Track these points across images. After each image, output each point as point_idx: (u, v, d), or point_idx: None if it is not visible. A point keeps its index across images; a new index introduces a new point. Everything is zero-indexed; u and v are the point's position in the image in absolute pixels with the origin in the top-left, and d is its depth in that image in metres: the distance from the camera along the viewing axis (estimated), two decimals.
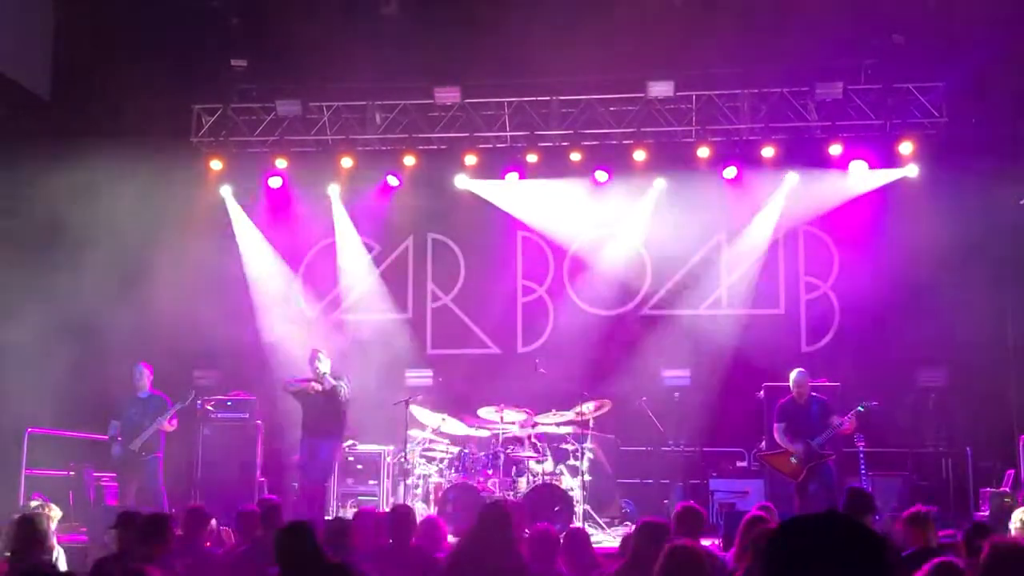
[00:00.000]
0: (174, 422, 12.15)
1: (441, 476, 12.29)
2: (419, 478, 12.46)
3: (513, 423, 12.44)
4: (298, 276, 15.57)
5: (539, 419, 12.53)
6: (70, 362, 13.02)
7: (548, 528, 6.98)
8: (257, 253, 15.42)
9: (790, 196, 14.72)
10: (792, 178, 14.61)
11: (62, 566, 7.47)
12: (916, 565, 6.64)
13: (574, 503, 11.65)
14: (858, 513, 7.38)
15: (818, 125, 14.29)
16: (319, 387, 12.05)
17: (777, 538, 2.25)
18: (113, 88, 13.68)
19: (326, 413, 12.08)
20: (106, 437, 12.23)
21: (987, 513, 11.16)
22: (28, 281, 13.21)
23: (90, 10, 13.82)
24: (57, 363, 12.94)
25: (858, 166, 14.29)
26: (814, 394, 11.84)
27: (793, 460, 11.46)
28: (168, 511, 10.67)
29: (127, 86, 13.65)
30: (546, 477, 12.03)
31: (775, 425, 11.83)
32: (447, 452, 12.52)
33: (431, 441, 12.63)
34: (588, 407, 12.47)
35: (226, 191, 15.22)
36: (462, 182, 15.08)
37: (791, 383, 11.85)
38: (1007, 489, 11.61)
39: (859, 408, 11.41)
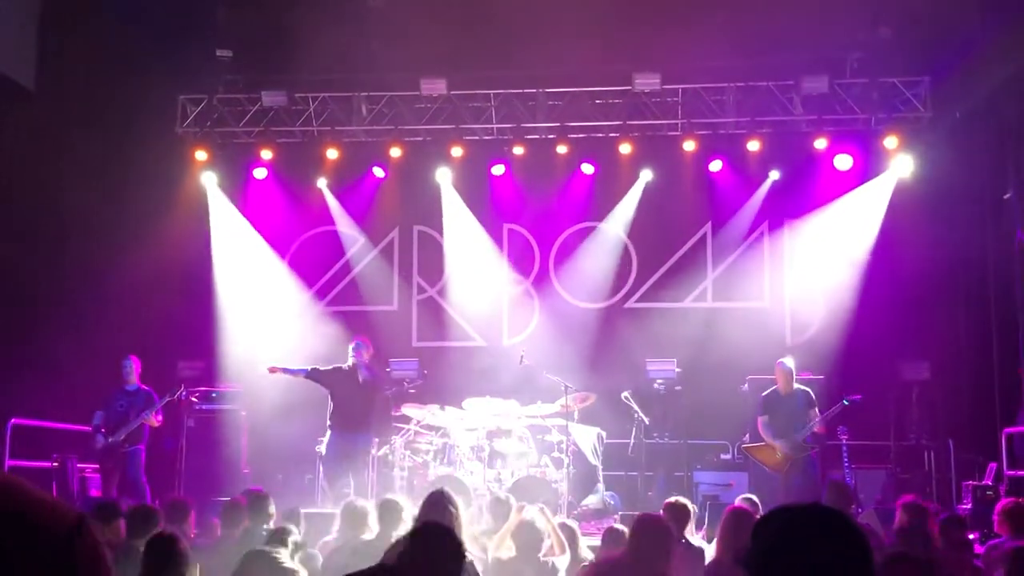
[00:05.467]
0: (159, 417, 12.14)
1: (426, 468, 12.28)
2: (404, 470, 12.44)
3: (498, 415, 12.45)
4: (284, 265, 15.55)
5: (524, 411, 12.54)
6: (53, 353, 12.95)
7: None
8: (240, 243, 15.35)
9: (775, 190, 14.78)
10: (777, 172, 14.67)
11: None
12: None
13: (559, 495, 11.68)
14: (838, 506, 7.42)
15: (803, 119, 14.33)
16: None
17: (763, 527, 2.26)
18: (98, 78, 13.61)
19: (359, 406, 12.06)
20: (89, 429, 12.19)
21: (969, 506, 11.22)
22: (11, 273, 13.14)
23: None
24: (41, 353, 12.88)
25: (843, 160, 14.35)
26: (798, 386, 11.86)
27: (778, 453, 11.50)
28: (151, 502, 10.66)
29: (112, 76, 13.58)
30: (531, 469, 12.04)
31: (758, 418, 11.86)
32: (432, 444, 12.52)
33: (416, 433, 12.63)
34: (572, 399, 12.48)
35: (209, 179, 15.13)
36: (443, 176, 15.10)
37: (777, 373, 11.86)
38: (989, 482, 11.68)
39: (844, 402, 11.45)
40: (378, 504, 7.64)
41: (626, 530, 7.26)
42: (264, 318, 14.83)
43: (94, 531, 1.24)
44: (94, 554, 1.22)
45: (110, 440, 11.88)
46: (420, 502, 6.68)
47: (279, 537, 6.79)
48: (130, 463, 11.93)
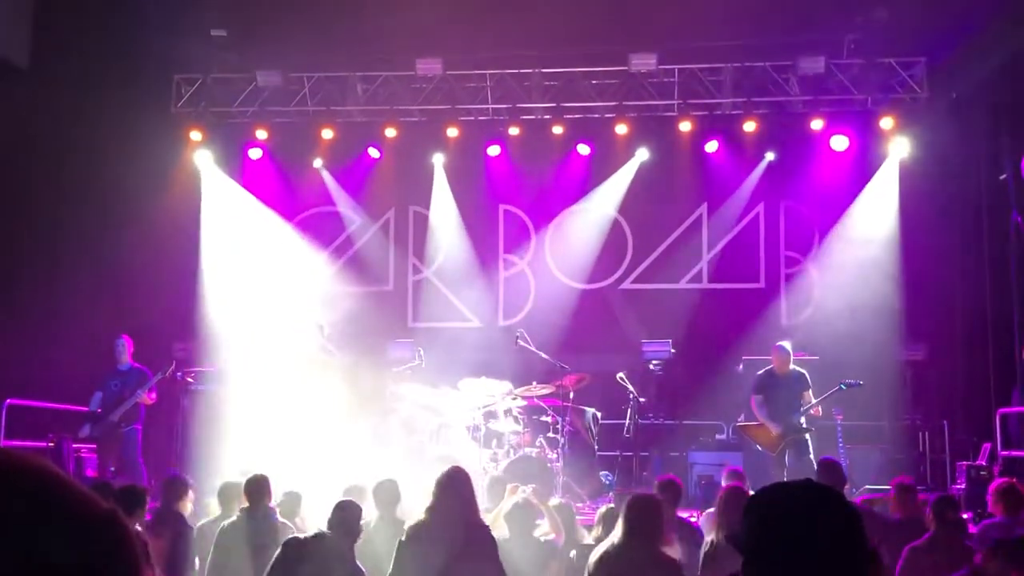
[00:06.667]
0: (153, 395, 12.13)
1: (422, 448, 12.29)
2: (400, 451, 12.45)
3: (493, 396, 12.46)
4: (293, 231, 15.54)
5: (519, 392, 12.55)
6: (49, 333, 12.95)
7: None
8: (237, 220, 15.29)
9: (771, 171, 14.77)
10: (773, 153, 14.66)
11: None
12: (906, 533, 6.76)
13: (554, 475, 11.70)
14: (831, 485, 7.42)
15: (800, 100, 14.31)
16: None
17: (755, 504, 2.27)
18: (92, 57, 13.54)
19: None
20: (85, 409, 12.17)
21: (963, 486, 11.25)
22: (5, 252, 13.11)
23: None
24: (36, 333, 12.87)
25: (839, 141, 14.33)
26: (793, 367, 11.84)
27: (773, 433, 11.48)
28: (147, 483, 10.68)
29: (106, 55, 13.52)
30: (526, 449, 12.06)
31: (752, 397, 11.83)
32: (428, 424, 12.54)
33: (412, 414, 12.63)
34: (568, 379, 12.50)
35: (204, 157, 15.08)
36: (439, 157, 15.08)
37: (774, 354, 11.82)
38: (983, 463, 11.71)
39: (840, 386, 11.40)
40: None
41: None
42: (260, 295, 14.72)
43: (126, 521, 1.24)
44: (129, 544, 1.22)
45: (106, 421, 11.85)
46: (424, 481, 6.72)
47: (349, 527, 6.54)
48: (127, 443, 11.92)
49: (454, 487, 6.08)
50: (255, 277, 14.89)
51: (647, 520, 5.77)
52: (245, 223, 15.27)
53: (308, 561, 6.03)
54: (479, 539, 5.97)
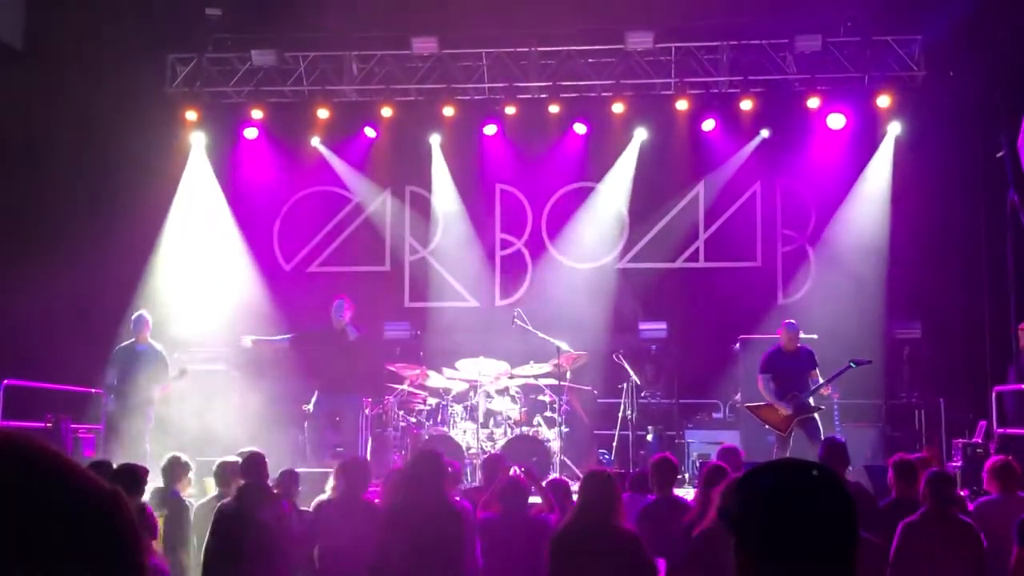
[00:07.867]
0: (168, 388, 12.00)
1: (420, 428, 12.33)
2: (397, 430, 12.50)
3: (490, 375, 12.49)
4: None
5: (517, 371, 12.58)
6: (47, 313, 12.94)
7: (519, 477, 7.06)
8: (223, 206, 15.24)
9: (768, 149, 14.74)
10: (767, 131, 14.64)
11: None
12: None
13: (551, 454, 11.74)
14: (832, 464, 7.44)
15: (797, 78, 14.27)
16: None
17: (747, 482, 2.27)
18: (87, 37, 13.48)
19: (347, 367, 11.99)
20: (83, 389, 12.10)
21: (960, 464, 11.27)
22: (5, 238, 13.10)
23: None
24: (34, 314, 12.86)
25: (836, 119, 14.31)
26: (801, 345, 11.76)
27: (783, 413, 11.36)
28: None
29: (100, 35, 13.47)
30: (524, 428, 12.10)
31: (760, 376, 11.72)
32: (425, 404, 12.57)
33: (410, 394, 12.66)
34: (564, 359, 12.51)
35: (197, 140, 15.04)
36: (435, 137, 15.05)
37: (784, 332, 11.70)
38: (979, 440, 11.73)
39: (850, 364, 11.33)
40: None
41: None
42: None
43: (127, 500, 1.24)
44: (129, 524, 1.23)
45: (121, 403, 11.68)
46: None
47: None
48: (139, 426, 11.78)
49: (418, 471, 6.06)
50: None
51: (601, 495, 5.87)
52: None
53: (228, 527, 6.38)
54: (447, 521, 5.95)
